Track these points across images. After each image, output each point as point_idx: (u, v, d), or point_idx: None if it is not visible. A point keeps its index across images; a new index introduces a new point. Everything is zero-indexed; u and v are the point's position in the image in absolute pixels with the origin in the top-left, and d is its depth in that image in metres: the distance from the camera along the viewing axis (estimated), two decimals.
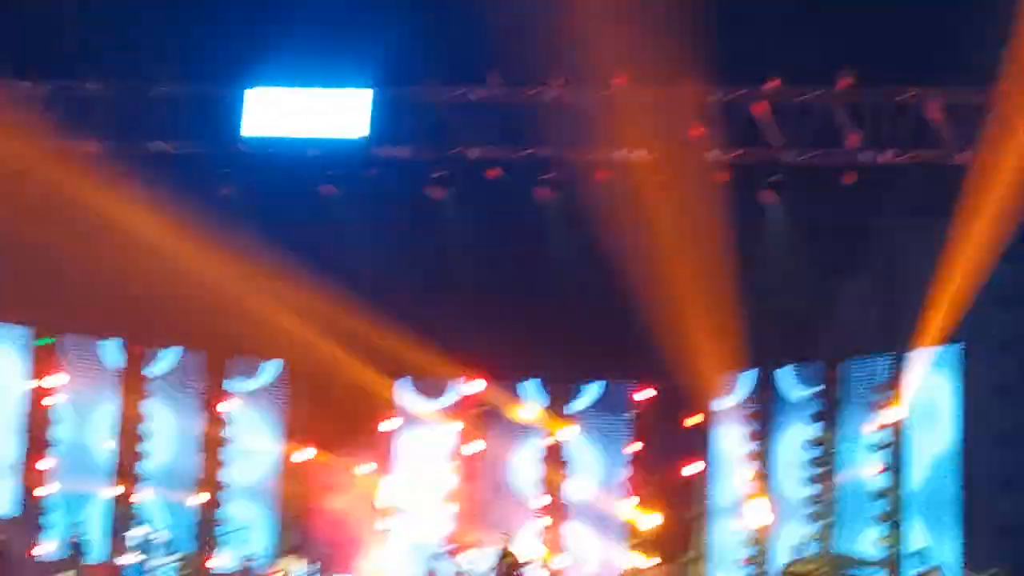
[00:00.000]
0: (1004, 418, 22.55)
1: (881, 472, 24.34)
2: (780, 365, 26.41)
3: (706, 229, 22.95)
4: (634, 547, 26.87)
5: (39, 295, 23.35)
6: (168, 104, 23.83)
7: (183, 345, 26.67)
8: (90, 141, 23.66)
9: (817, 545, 24.04)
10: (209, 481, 27.24)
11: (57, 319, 25.39)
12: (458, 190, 23.89)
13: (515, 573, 24.09)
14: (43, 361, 26.03)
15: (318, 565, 25.53)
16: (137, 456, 26.35)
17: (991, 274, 20.76)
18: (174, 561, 24.23)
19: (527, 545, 26.18)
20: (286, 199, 23.42)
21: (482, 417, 27.85)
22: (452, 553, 25.96)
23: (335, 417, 27.00)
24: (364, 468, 27.74)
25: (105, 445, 26.33)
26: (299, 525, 27.91)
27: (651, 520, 27.21)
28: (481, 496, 27.76)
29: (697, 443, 27.18)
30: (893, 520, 24.18)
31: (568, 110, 22.67)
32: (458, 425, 27.99)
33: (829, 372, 25.73)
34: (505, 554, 24.11)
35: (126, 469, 26.27)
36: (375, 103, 23.50)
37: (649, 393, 27.37)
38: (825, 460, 25.60)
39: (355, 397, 26.69)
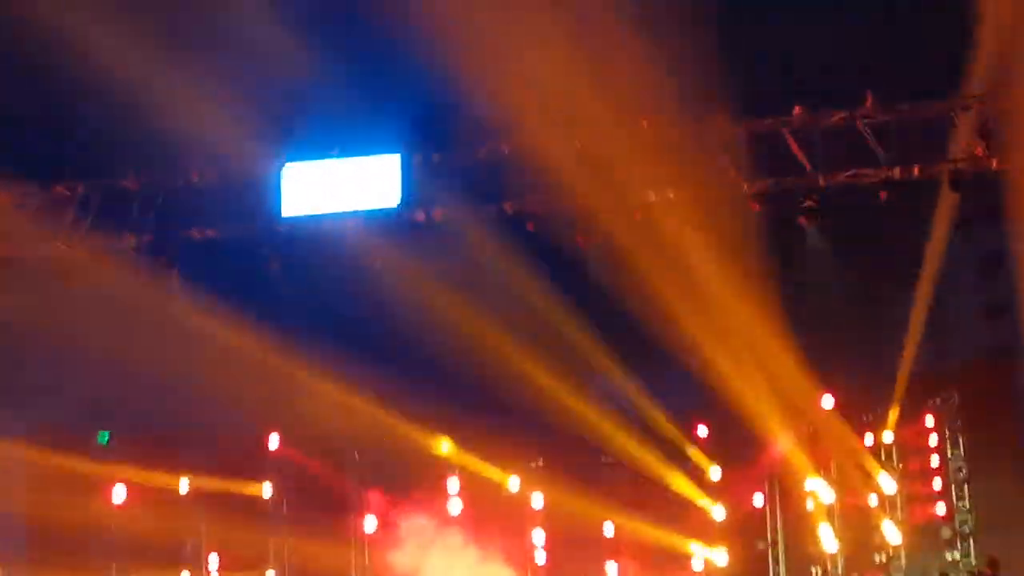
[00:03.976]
0: None
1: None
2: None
3: (748, 262, 22.90)
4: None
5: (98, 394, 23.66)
6: (204, 191, 23.77)
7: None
8: (129, 236, 23.71)
9: None
10: None
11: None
12: (503, 247, 23.60)
13: None
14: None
15: None
16: None
17: None
18: None
19: None
20: (331, 275, 23.38)
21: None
22: None
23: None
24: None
25: None
26: None
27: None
28: None
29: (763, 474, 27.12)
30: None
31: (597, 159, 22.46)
32: None
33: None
34: None
35: None
36: (404, 168, 23.29)
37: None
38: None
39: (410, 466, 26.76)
